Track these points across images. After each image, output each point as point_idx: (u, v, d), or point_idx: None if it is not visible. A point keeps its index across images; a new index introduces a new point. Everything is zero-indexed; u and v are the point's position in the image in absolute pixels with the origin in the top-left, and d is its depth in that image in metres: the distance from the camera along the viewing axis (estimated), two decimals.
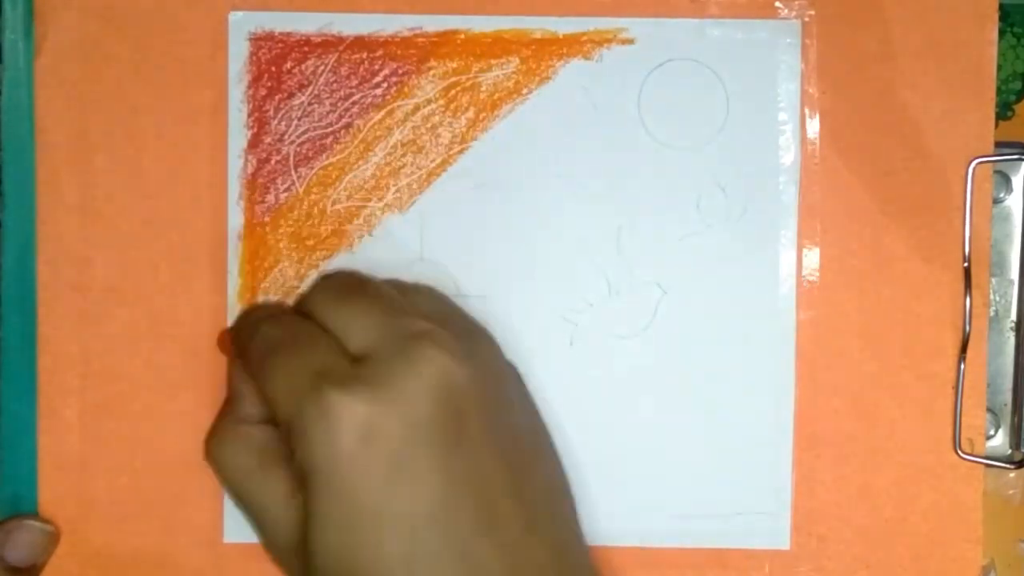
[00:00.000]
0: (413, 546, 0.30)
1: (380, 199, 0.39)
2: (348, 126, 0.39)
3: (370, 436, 0.30)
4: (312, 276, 0.39)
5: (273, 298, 0.39)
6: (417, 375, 0.31)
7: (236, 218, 0.39)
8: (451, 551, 0.30)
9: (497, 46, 0.39)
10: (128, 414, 0.39)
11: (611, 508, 0.39)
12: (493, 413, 0.32)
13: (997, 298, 0.39)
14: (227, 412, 0.35)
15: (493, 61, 0.39)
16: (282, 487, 0.32)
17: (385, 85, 0.39)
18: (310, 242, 0.39)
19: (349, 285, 0.34)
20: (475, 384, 0.31)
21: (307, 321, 0.33)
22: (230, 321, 0.39)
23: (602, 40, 0.39)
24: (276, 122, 0.39)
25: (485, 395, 0.32)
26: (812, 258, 0.39)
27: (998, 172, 0.39)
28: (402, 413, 0.30)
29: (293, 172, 0.39)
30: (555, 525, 0.34)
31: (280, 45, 0.39)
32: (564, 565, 0.33)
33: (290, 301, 0.39)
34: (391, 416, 0.30)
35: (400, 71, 0.39)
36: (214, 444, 0.34)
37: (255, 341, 0.34)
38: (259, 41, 0.39)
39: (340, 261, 0.39)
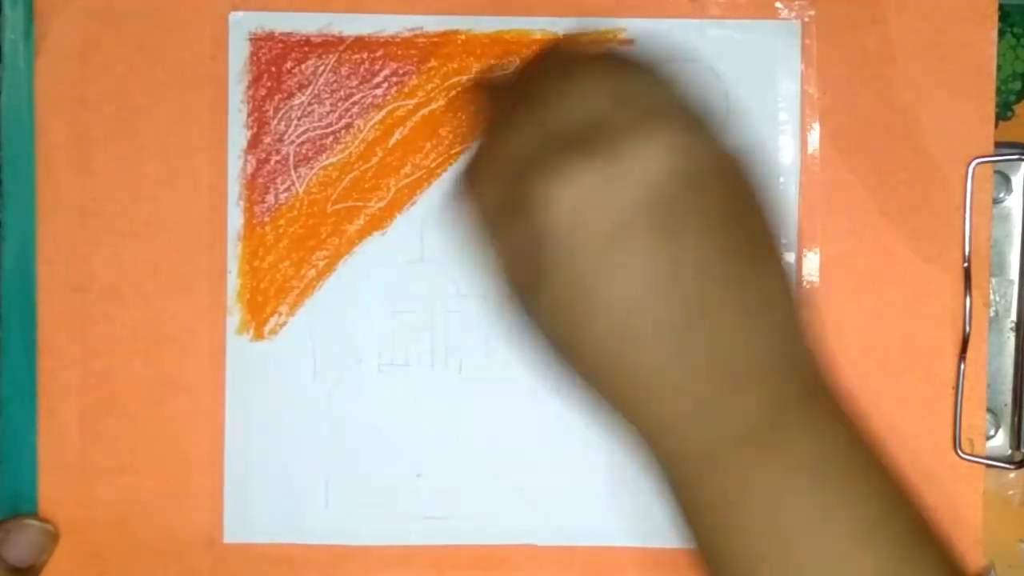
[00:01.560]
0: (624, 320, 0.30)
1: (380, 199, 0.39)
2: (348, 126, 0.39)
3: (587, 213, 0.29)
4: (311, 275, 0.39)
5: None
6: (644, 155, 0.29)
7: (236, 218, 0.39)
8: (664, 330, 0.30)
9: (497, 46, 0.39)
10: (128, 414, 0.39)
11: (610, 508, 0.39)
12: (718, 204, 0.31)
13: (997, 298, 0.39)
14: (478, 153, 0.33)
15: (493, 61, 0.39)
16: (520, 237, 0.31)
17: (385, 85, 0.39)
18: (310, 242, 0.39)
19: (579, 51, 0.33)
20: (701, 175, 0.30)
21: (543, 80, 0.32)
22: (230, 322, 0.39)
23: (602, 40, 0.39)
24: (276, 122, 0.39)
25: (710, 187, 0.30)
26: (812, 258, 0.39)
27: (998, 172, 0.39)
28: (621, 196, 0.29)
29: (293, 172, 0.39)
30: (782, 318, 0.32)
31: (280, 45, 0.39)
32: (783, 356, 0.31)
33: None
34: (609, 197, 0.29)
35: (400, 71, 0.39)
36: (467, 184, 0.33)
37: (501, 95, 0.33)
38: (259, 41, 0.39)
39: (340, 262, 0.39)
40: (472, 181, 0.33)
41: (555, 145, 0.30)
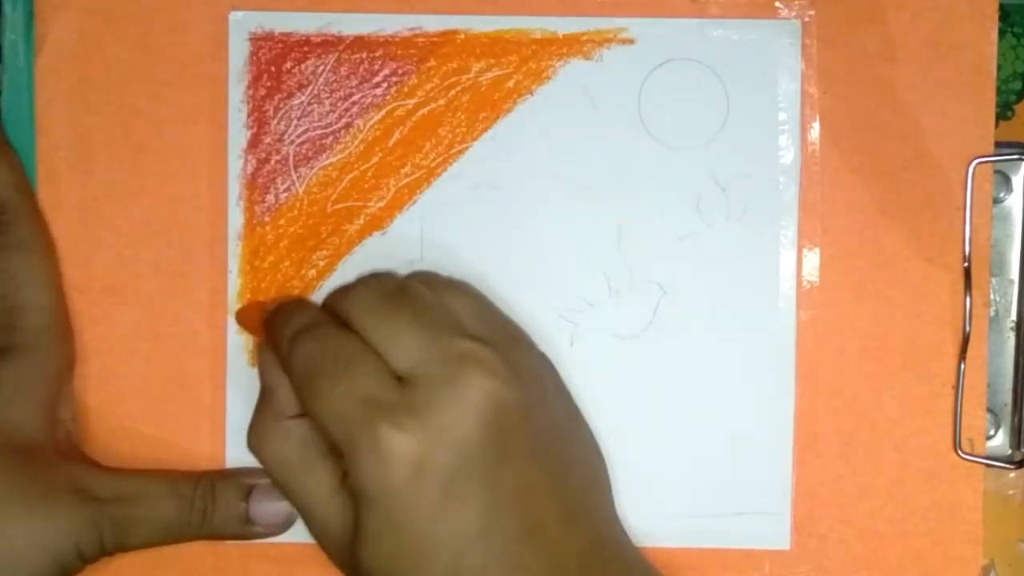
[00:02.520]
0: (460, 561, 0.31)
1: (380, 199, 0.39)
2: (348, 126, 0.39)
3: (421, 468, 0.31)
4: (311, 275, 0.39)
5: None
6: (465, 403, 0.31)
7: (236, 218, 0.39)
8: (496, 561, 0.31)
9: (497, 46, 0.39)
10: (128, 414, 0.39)
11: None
12: (536, 426, 0.33)
13: (997, 298, 0.39)
14: (264, 407, 0.36)
15: (493, 61, 0.39)
16: (325, 481, 0.34)
17: (385, 85, 0.39)
18: (310, 242, 0.39)
19: (389, 295, 0.34)
20: (520, 403, 0.32)
21: (349, 337, 0.33)
22: (230, 322, 0.39)
23: (602, 40, 0.39)
24: (276, 122, 0.39)
25: (530, 411, 0.33)
26: (812, 258, 0.39)
27: (998, 172, 0.39)
28: (452, 443, 0.31)
29: (293, 172, 0.39)
30: (591, 515, 0.35)
31: (280, 45, 0.39)
32: (603, 552, 0.34)
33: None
34: (442, 447, 0.31)
35: (400, 71, 0.39)
36: (255, 441, 0.35)
37: (296, 356, 0.34)
38: (259, 41, 0.39)
39: (340, 262, 0.39)
40: (265, 435, 0.35)
41: (381, 405, 0.31)
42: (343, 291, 0.35)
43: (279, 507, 0.38)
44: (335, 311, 0.35)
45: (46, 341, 0.37)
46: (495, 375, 0.32)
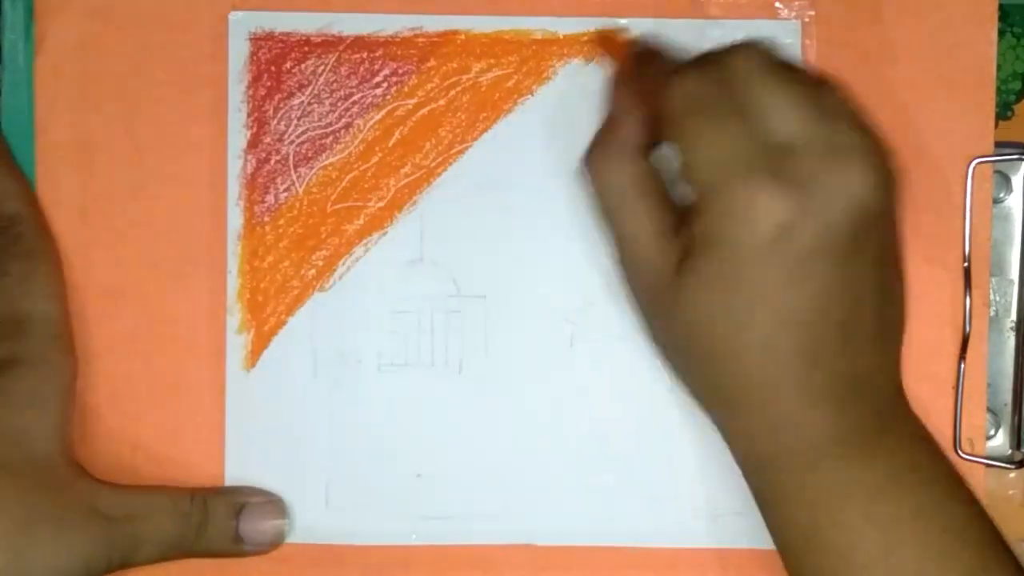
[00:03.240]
0: (778, 337, 0.32)
1: (380, 199, 0.39)
2: (348, 126, 0.39)
3: (785, 235, 0.31)
4: (311, 275, 0.39)
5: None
6: (847, 189, 0.31)
7: (236, 218, 0.39)
8: (809, 347, 0.32)
9: (497, 46, 0.39)
10: (128, 414, 0.39)
11: (610, 508, 0.39)
12: (887, 235, 0.34)
13: (997, 298, 0.39)
14: (611, 131, 0.36)
15: (493, 61, 0.39)
16: (655, 218, 0.34)
17: (385, 85, 0.39)
18: (310, 242, 0.39)
19: (774, 63, 0.33)
20: (884, 209, 0.32)
21: (733, 87, 0.33)
22: (229, 322, 0.39)
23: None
24: (276, 122, 0.39)
25: (887, 219, 0.33)
26: None
27: (998, 172, 0.39)
28: (823, 222, 0.31)
29: (293, 172, 0.39)
30: (895, 339, 0.36)
31: (280, 45, 0.39)
32: (889, 373, 0.35)
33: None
34: (812, 221, 0.31)
35: (400, 71, 0.39)
36: (595, 166, 0.35)
37: (683, 88, 0.33)
38: (259, 41, 0.39)
39: (340, 262, 0.39)
40: (609, 157, 0.35)
41: (755, 163, 0.31)
42: (723, 51, 0.34)
43: (269, 526, 0.38)
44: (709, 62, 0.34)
45: (54, 351, 0.37)
46: (879, 174, 0.32)
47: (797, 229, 0.31)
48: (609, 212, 0.35)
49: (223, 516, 0.37)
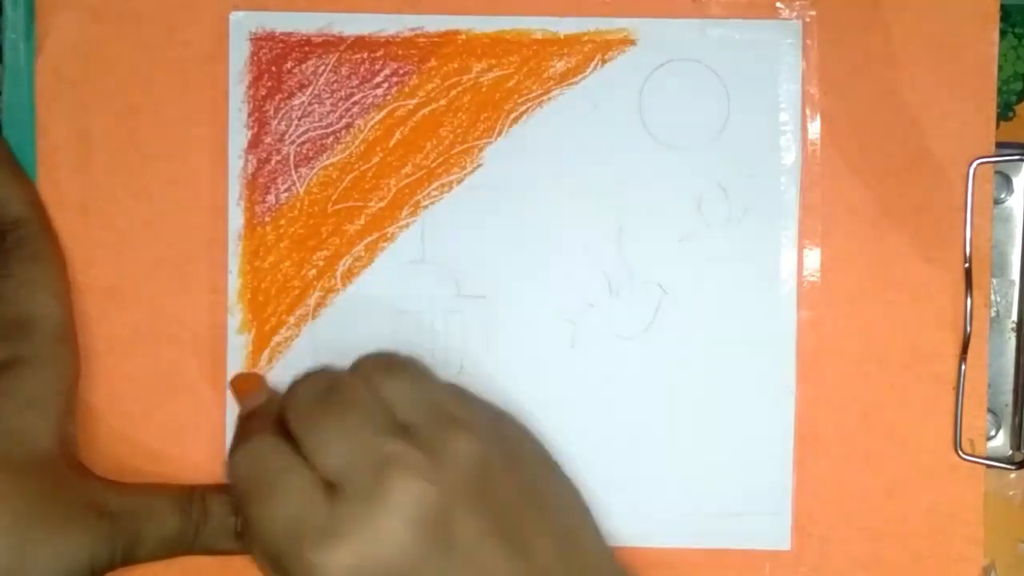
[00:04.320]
0: None
1: (381, 199, 0.39)
2: (349, 126, 0.39)
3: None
4: (312, 275, 0.39)
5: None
6: (391, 511, 0.31)
7: (236, 218, 0.39)
8: None
9: (498, 46, 0.39)
10: (129, 415, 0.39)
11: (611, 508, 0.39)
12: (486, 501, 0.33)
13: (998, 299, 0.39)
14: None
15: (494, 61, 0.39)
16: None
17: (386, 85, 0.39)
18: (311, 242, 0.39)
19: (320, 396, 0.34)
20: (453, 494, 0.32)
21: (281, 449, 0.33)
22: (230, 322, 0.39)
23: (603, 41, 0.39)
24: (276, 122, 0.39)
25: (469, 497, 0.32)
26: (813, 258, 0.39)
27: (999, 173, 0.39)
28: (386, 554, 0.31)
29: (293, 172, 0.39)
30: (573, 572, 0.34)
31: (281, 45, 0.39)
32: None
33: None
34: (376, 561, 0.31)
35: (401, 71, 0.39)
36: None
37: (232, 476, 0.34)
38: (260, 41, 0.39)
39: (341, 262, 0.39)
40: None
41: (311, 517, 0.31)
42: (288, 390, 0.35)
43: None
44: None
45: (57, 352, 0.37)
46: (419, 475, 0.31)
47: (368, 564, 0.31)
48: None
49: (223, 513, 0.37)
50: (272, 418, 0.34)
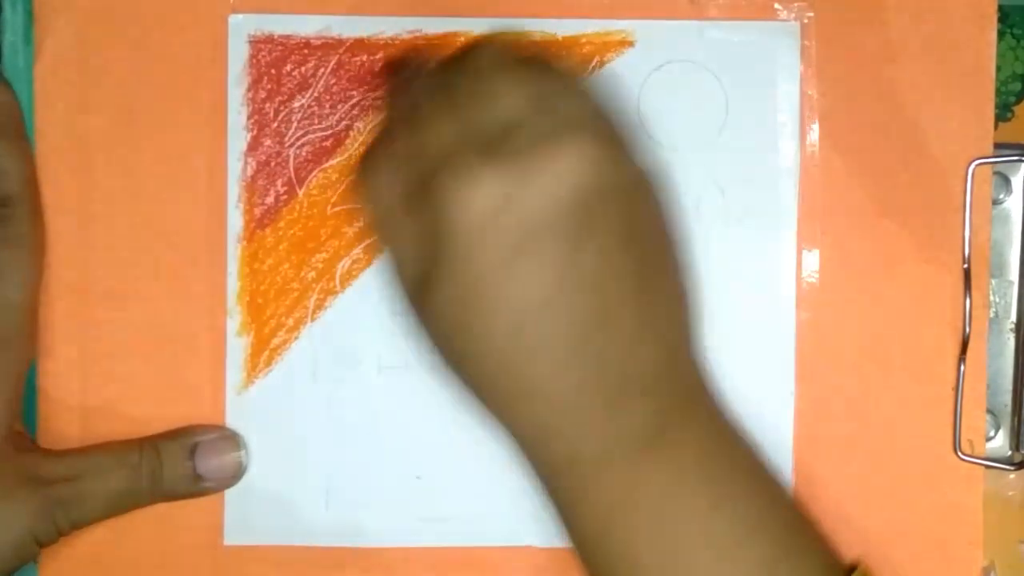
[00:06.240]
0: (521, 326, 0.30)
1: None
2: (348, 128, 0.39)
3: (500, 212, 0.29)
4: (311, 278, 0.39)
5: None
6: (562, 164, 0.29)
7: (235, 221, 0.39)
8: (560, 340, 0.30)
9: None
10: (128, 417, 0.39)
11: None
12: (627, 216, 0.31)
13: (997, 299, 0.39)
14: (381, 142, 0.33)
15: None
16: (413, 244, 0.32)
17: None
18: (310, 244, 0.39)
19: (505, 51, 0.32)
20: (613, 186, 0.30)
21: (463, 77, 0.32)
22: (230, 324, 0.39)
23: (601, 42, 0.39)
24: (276, 124, 0.39)
25: (621, 199, 0.31)
26: (812, 259, 0.39)
27: (997, 173, 0.39)
28: (539, 197, 0.29)
29: (293, 175, 0.39)
30: (671, 331, 0.33)
31: (280, 48, 0.39)
32: (672, 365, 0.33)
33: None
34: (522, 202, 0.29)
35: None
36: (365, 173, 0.33)
37: (415, 85, 0.33)
38: (259, 44, 0.39)
39: (340, 264, 0.39)
40: (376, 168, 0.32)
41: (470, 145, 0.30)
42: (463, 47, 0.33)
43: (226, 460, 0.38)
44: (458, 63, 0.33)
45: (14, 338, 0.37)
46: (604, 147, 0.30)
47: (515, 204, 0.29)
48: (379, 226, 0.33)
49: (178, 458, 0.38)
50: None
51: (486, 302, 0.30)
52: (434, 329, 0.32)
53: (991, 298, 0.39)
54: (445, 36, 0.39)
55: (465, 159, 0.29)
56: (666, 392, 0.32)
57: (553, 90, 0.31)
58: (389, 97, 0.35)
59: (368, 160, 0.33)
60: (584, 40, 0.39)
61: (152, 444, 0.38)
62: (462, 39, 0.39)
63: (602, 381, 0.31)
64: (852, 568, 0.34)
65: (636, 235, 0.31)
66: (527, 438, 0.32)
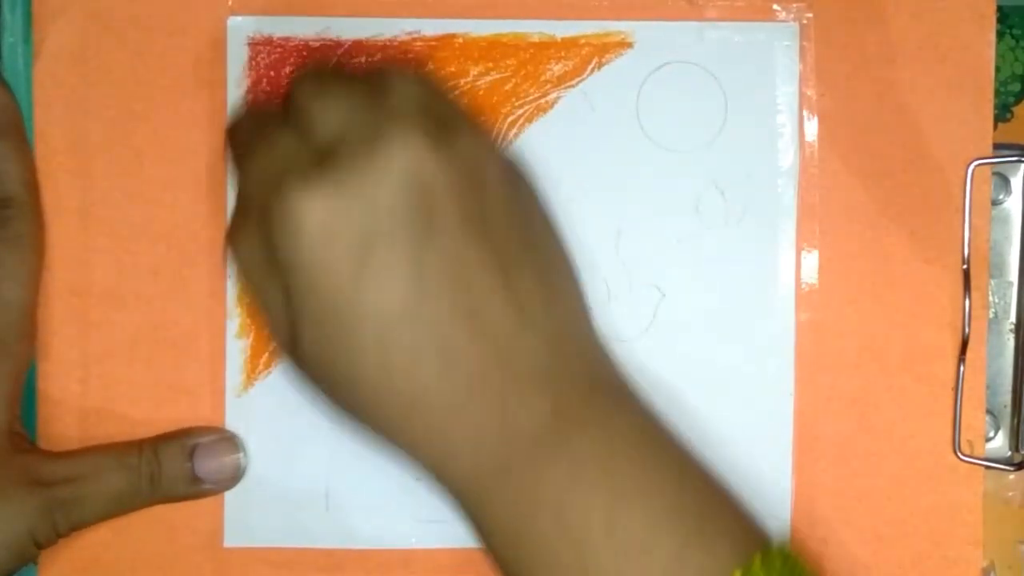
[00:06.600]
0: (386, 340, 0.29)
1: None
2: None
3: (332, 233, 0.29)
4: None
5: None
6: (383, 169, 0.29)
7: None
8: (427, 343, 0.29)
9: (495, 50, 0.39)
10: (128, 419, 0.39)
11: None
12: (473, 205, 0.30)
13: (996, 300, 0.39)
14: (240, 209, 0.33)
15: (491, 65, 0.39)
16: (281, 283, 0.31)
17: None
18: None
19: (324, 74, 0.32)
20: (449, 175, 0.30)
21: (280, 115, 0.32)
22: (229, 326, 0.39)
23: (600, 43, 0.39)
24: None
25: (462, 186, 0.30)
26: (811, 260, 0.39)
27: (997, 174, 0.39)
28: (365, 209, 0.29)
29: None
30: (550, 321, 0.32)
31: (279, 50, 0.39)
32: (559, 356, 0.32)
33: None
34: (353, 211, 0.29)
35: None
36: (231, 239, 0.33)
37: (235, 138, 0.33)
38: (258, 46, 0.39)
39: None
40: (235, 232, 0.32)
41: (292, 173, 0.29)
42: (296, 72, 0.33)
43: (225, 462, 0.38)
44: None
45: (12, 337, 0.37)
46: (421, 141, 0.29)
47: (347, 216, 0.29)
48: (249, 286, 0.32)
49: (177, 459, 0.38)
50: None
51: (345, 325, 0.29)
52: (312, 375, 0.31)
53: (990, 299, 0.39)
54: (443, 38, 0.39)
55: (289, 186, 0.29)
56: (557, 386, 0.31)
57: (367, 93, 0.31)
58: (235, 165, 0.34)
59: (233, 227, 0.33)
60: (583, 41, 0.39)
61: (151, 446, 0.38)
62: (460, 40, 0.39)
63: (485, 381, 0.30)
64: (768, 545, 0.32)
65: (492, 224, 0.31)
66: (428, 457, 0.32)
